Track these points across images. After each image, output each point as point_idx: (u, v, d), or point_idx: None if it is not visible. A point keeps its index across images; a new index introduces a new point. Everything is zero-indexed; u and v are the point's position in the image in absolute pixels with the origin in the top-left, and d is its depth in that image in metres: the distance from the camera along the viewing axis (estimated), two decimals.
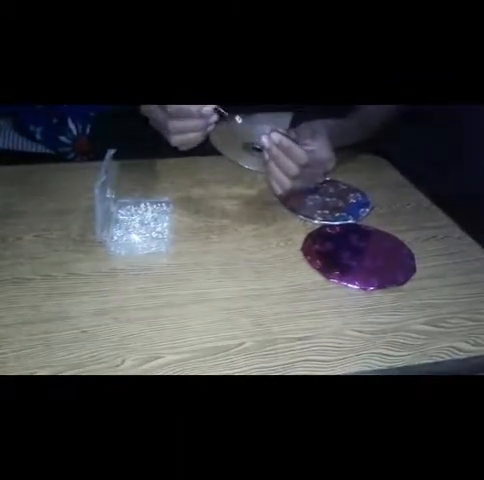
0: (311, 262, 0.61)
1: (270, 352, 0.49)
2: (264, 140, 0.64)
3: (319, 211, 0.71)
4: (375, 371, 0.48)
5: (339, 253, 0.63)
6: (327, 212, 0.71)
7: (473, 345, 0.51)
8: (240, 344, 0.49)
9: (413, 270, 0.61)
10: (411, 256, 0.63)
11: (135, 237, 0.63)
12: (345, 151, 0.78)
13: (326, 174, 0.73)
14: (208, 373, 0.46)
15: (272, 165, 0.65)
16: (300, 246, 0.64)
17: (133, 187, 0.72)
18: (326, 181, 0.77)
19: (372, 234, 0.67)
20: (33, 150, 0.85)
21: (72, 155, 0.86)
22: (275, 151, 0.64)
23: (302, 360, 0.48)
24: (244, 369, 0.47)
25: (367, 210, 0.72)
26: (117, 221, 0.65)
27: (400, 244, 0.65)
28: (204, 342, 0.49)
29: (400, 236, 0.66)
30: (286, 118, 0.80)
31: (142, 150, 0.76)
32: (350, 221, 0.69)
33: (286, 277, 0.59)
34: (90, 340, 0.49)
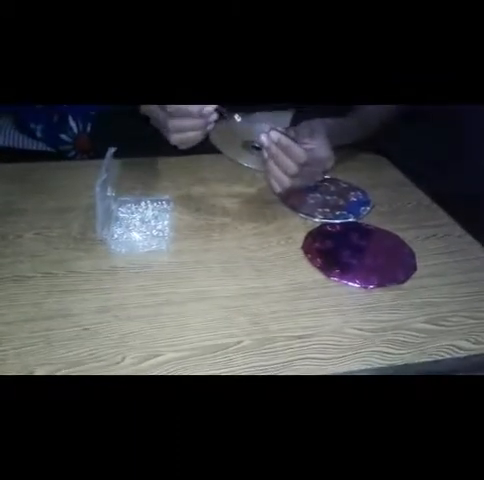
0: (311, 260, 0.61)
1: (269, 350, 0.49)
2: (263, 138, 0.64)
3: (320, 209, 0.71)
4: (375, 369, 0.48)
5: (339, 251, 0.63)
6: (328, 210, 0.71)
7: (473, 343, 0.51)
8: (239, 342, 0.49)
9: (413, 268, 0.61)
10: (411, 254, 0.63)
11: (135, 235, 0.63)
12: (345, 150, 0.78)
13: (325, 173, 0.73)
14: (208, 371, 0.46)
15: (271, 164, 0.65)
16: (300, 244, 0.64)
17: (134, 185, 0.72)
18: (327, 179, 0.77)
19: (373, 232, 0.67)
20: (34, 148, 0.85)
21: (73, 153, 0.86)
22: (274, 150, 0.64)
23: (301, 358, 0.48)
24: (243, 367, 0.47)
25: (368, 208, 0.72)
26: (118, 219, 0.65)
27: (401, 242, 0.65)
28: (204, 340, 0.49)
29: (401, 234, 0.66)
30: (286, 117, 0.80)
31: (143, 148, 0.76)
32: (351, 219, 0.69)
33: (286, 275, 0.59)
34: (90, 338, 0.49)
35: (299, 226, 0.68)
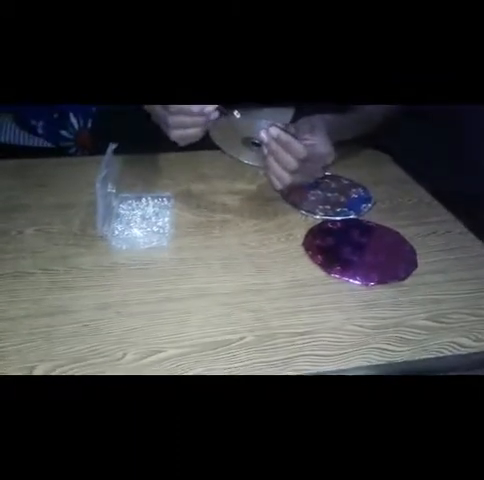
0: (312, 257, 0.61)
1: (270, 347, 0.49)
2: (263, 135, 0.64)
3: (321, 206, 0.70)
4: (376, 366, 0.48)
5: (340, 248, 0.63)
6: (329, 207, 0.70)
7: (474, 341, 0.51)
8: (240, 339, 0.49)
9: (414, 265, 0.60)
10: (412, 251, 0.63)
11: (136, 232, 0.63)
12: (347, 146, 0.77)
13: (326, 169, 0.73)
14: (209, 367, 0.46)
15: (271, 160, 0.65)
16: (301, 241, 0.64)
17: (134, 182, 0.72)
18: (328, 176, 0.77)
19: (374, 229, 0.67)
20: (35, 144, 0.85)
21: (74, 149, 0.86)
22: (274, 146, 0.64)
23: (302, 355, 0.48)
24: (244, 363, 0.47)
25: (369, 205, 0.72)
26: (118, 216, 0.65)
27: (401, 239, 0.65)
28: (205, 336, 0.49)
29: (401, 231, 0.66)
30: (288, 114, 0.80)
31: (143, 145, 0.76)
32: (352, 216, 0.69)
33: (287, 272, 0.59)
34: (91, 334, 0.49)
35: (300, 223, 0.67)
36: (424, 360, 0.49)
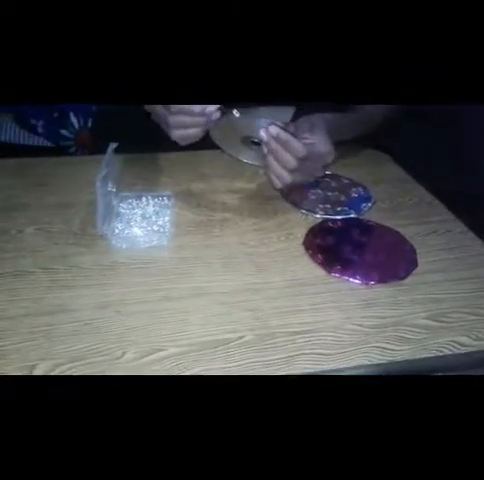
0: (312, 256, 0.61)
1: (270, 346, 0.49)
2: (262, 133, 0.64)
3: (321, 205, 0.70)
4: (375, 365, 0.48)
5: (341, 247, 0.63)
6: (329, 206, 0.70)
7: (474, 340, 0.51)
8: (240, 338, 0.49)
9: (415, 264, 0.60)
10: (412, 251, 0.63)
11: (136, 231, 0.63)
12: (347, 146, 0.77)
13: (326, 168, 0.73)
14: (208, 366, 0.46)
15: (271, 159, 0.65)
16: (301, 240, 0.64)
17: (134, 181, 0.72)
18: (328, 175, 0.77)
19: (374, 228, 0.67)
20: (35, 143, 0.85)
21: (74, 149, 0.86)
22: (273, 144, 0.64)
23: (302, 354, 0.48)
24: (243, 362, 0.47)
25: (369, 204, 0.72)
26: (118, 215, 0.65)
27: (402, 239, 0.65)
28: (204, 335, 0.49)
29: (402, 231, 0.66)
30: (288, 113, 0.80)
31: (144, 144, 0.76)
32: (352, 215, 0.69)
33: (287, 271, 0.59)
34: (91, 333, 0.49)
35: (300, 222, 0.67)
36: (424, 359, 0.49)
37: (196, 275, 0.57)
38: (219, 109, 0.62)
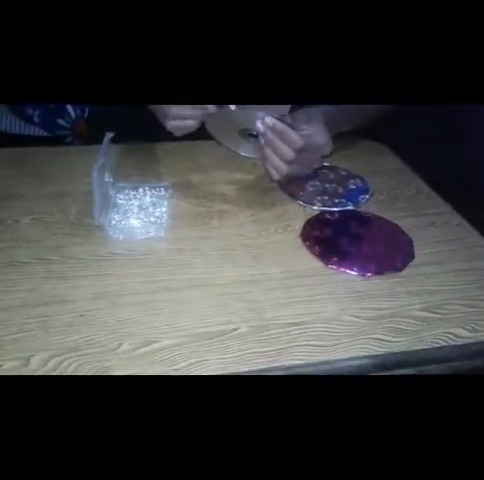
0: (310, 248, 0.61)
1: (266, 337, 0.49)
2: (259, 125, 0.64)
3: (319, 197, 0.70)
4: (372, 356, 0.48)
5: (338, 239, 0.63)
6: (326, 198, 0.70)
7: (470, 331, 0.51)
8: (236, 329, 0.49)
9: (411, 256, 0.60)
10: (410, 242, 0.63)
11: (133, 222, 0.63)
12: (345, 137, 0.77)
13: (323, 159, 0.73)
14: (204, 357, 0.46)
15: (268, 151, 0.65)
16: (299, 232, 0.63)
17: (132, 171, 0.72)
18: (326, 167, 0.77)
19: (371, 220, 0.67)
20: (31, 133, 0.85)
21: (70, 138, 0.86)
22: (270, 136, 0.63)
23: (298, 345, 0.48)
24: (239, 354, 0.47)
25: (367, 196, 0.71)
26: (115, 205, 0.65)
27: (399, 230, 0.65)
28: (200, 327, 0.49)
29: (399, 222, 0.66)
30: (285, 105, 0.80)
31: (141, 134, 0.75)
32: (349, 207, 0.69)
33: (284, 263, 0.58)
34: (87, 324, 0.49)
35: (298, 214, 0.67)
36: (420, 350, 0.49)
37: (193, 266, 0.57)
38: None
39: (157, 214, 0.64)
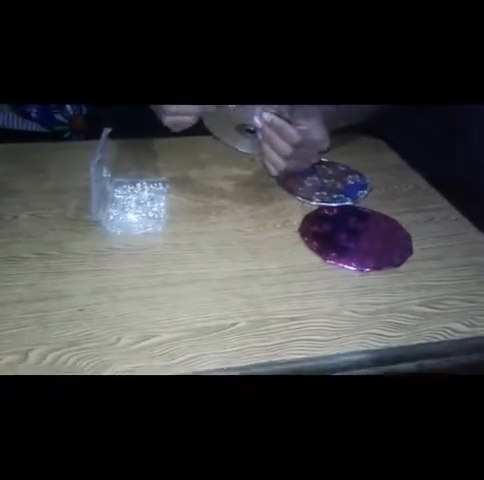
0: (308, 243, 0.61)
1: (264, 332, 0.49)
2: (256, 120, 0.64)
3: (317, 192, 0.70)
4: (370, 351, 0.48)
5: (336, 234, 0.63)
6: (325, 193, 0.70)
7: (468, 326, 0.51)
8: (234, 324, 0.49)
9: (410, 252, 0.60)
10: (408, 238, 0.63)
11: (131, 217, 0.63)
12: (344, 133, 0.77)
13: (321, 155, 0.73)
14: (202, 352, 0.46)
15: (265, 146, 0.65)
16: (297, 227, 0.63)
17: (130, 166, 0.72)
18: (324, 162, 0.77)
19: (370, 216, 0.67)
20: (29, 128, 0.85)
21: (68, 134, 0.85)
22: (268, 131, 0.64)
23: (297, 340, 0.48)
24: (238, 349, 0.47)
25: (365, 192, 0.71)
26: (113, 200, 0.65)
27: (397, 226, 0.65)
28: (199, 321, 0.49)
29: (398, 218, 0.66)
30: None
31: (139, 129, 0.75)
32: (348, 203, 0.69)
33: (282, 258, 0.58)
34: (86, 319, 0.49)
35: (296, 209, 0.67)
36: (418, 345, 0.49)
37: (191, 262, 0.57)
38: None
39: (155, 209, 0.64)
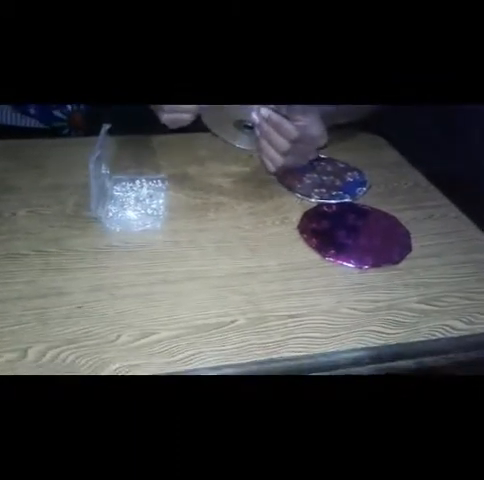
0: (307, 240, 0.61)
1: (264, 329, 0.49)
2: (254, 116, 0.64)
3: (316, 189, 0.70)
4: (369, 348, 0.48)
5: (335, 232, 0.63)
6: (324, 190, 0.70)
7: (467, 324, 0.51)
8: (233, 321, 0.49)
9: (409, 249, 0.60)
10: (407, 235, 0.63)
11: (130, 214, 0.63)
12: (343, 130, 0.77)
13: (318, 151, 0.73)
14: (202, 349, 0.46)
15: (263, 142, 0.65)
16: (296, 224, 0.63)
17: (128, 163, 0.72)
18: (323, 159, 0.77)
19: (369, 213, 0.67)
20: (27, 125, 0.84)
21: (67, 130, 0.85)
22: (265, 127, 0.63)
23: (296, 337, 0.48)
24: (237, 346, 0.47)
25: (364, 189, 0.71)
26: (112, 197, 0.65)
27: (396, 223, 0.65)
28: (198, 319, 0.49)
29: (397, 215, 0.66)
30: None
31: (138, 126, 0.75)
32: (347, 200, 0.69)
33: (281, 255, 0.58)
34: (85, 316, 0.49)
35: (295, 206, 0.67)
36: (417, 342, 0.49)
37: (190, 259, 0.57)
38: None
39: (154, 206, 0.64)
